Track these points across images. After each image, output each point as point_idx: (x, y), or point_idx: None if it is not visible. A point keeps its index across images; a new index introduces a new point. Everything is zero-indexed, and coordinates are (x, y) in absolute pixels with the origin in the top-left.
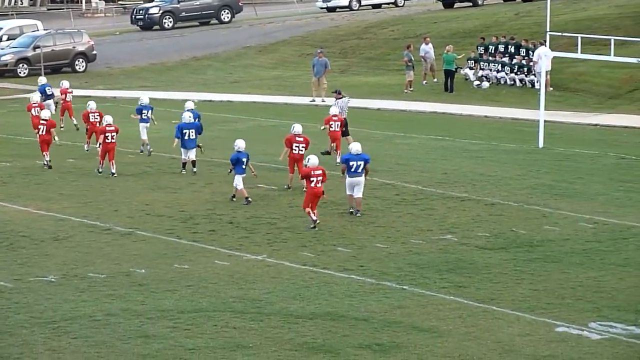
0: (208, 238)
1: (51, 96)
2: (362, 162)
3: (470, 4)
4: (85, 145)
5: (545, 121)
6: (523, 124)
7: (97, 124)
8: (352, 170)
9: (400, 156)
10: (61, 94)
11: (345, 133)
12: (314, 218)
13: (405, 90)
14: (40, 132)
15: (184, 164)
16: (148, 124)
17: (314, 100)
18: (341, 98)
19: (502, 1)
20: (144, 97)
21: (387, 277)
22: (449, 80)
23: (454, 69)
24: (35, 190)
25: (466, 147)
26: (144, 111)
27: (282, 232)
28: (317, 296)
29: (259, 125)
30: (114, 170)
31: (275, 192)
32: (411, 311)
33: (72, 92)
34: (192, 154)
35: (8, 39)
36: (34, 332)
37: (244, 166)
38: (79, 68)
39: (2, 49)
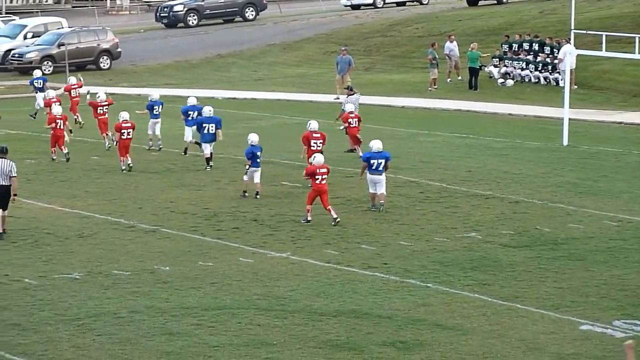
0: (232, 235)
1: (41, 89)
2: (383, 160)
3: (495, 1)
4: (106, 142)
5: (569, 119)
6: (547, 122)
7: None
8: (373, 168)
9: (424, 154)
10: (65, 91)
11: None
12: (309, 218)
13: (430, 88)
14: (57, 127)
15: (208, 160)
16: (159, 120)
17: (338, 98)
18: (352, 95)
19: None
20: (155, 93)
21: (411, 275)
22: (473, 77)
23: (478, 67)
24: (60, 188)
25: (490, 144)
26: (155, 107)
27: (306, 230)
28: (341, 294)
29: (284, 123)
30: (130, 163)
31: (299, 189)
32: (435, 309)
33: (77, 88)
34: (209, 148)
35: (33, 37)
36: (58, 329)
37: (258, 160)
38: (104, 65)
39: (26, 46)
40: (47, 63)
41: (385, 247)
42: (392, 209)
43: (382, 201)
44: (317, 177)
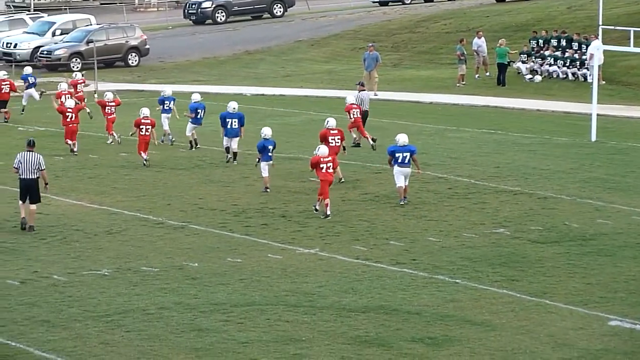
0: (260, 232)
1: (33, 85)
2: (408, 153)
3: None
4: (109, 139)
5: (597, 115)
6: (575, 118)
7: (112, 115)
8: (399, 161)
9: (452, 150)
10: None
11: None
12: (318, 208)
13: (458, 84)
14: (69, 119)
15: (227, 149)
16: (170, 115)
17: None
18: (364, 90)
19: None
20: (167, 89)
21: (440, 271)
22: (501, 74)
23: (506, 63)
24: (89, 184)
25: (518, 140)
26: (166, 102)
27: (335, 226)
28: (369, 290)
29: (311, 119)
30: (147, 158)
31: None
32: (464, 305)
33: (82, 83)
34: (234, 144)
35: (61, 34)
36: (87, 325)
37: (269, 154)
38: (132, 62)
39: (55, 43)
40: (76, 60)
41: (413, 243)
42: (420, 205)
43: (405, 195)
44: (322, 166)
